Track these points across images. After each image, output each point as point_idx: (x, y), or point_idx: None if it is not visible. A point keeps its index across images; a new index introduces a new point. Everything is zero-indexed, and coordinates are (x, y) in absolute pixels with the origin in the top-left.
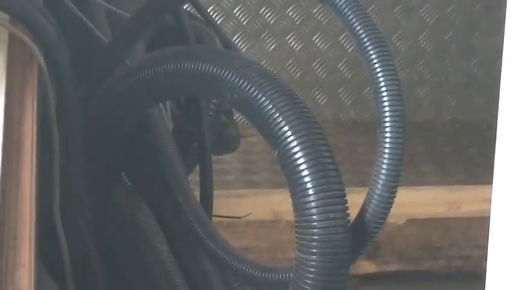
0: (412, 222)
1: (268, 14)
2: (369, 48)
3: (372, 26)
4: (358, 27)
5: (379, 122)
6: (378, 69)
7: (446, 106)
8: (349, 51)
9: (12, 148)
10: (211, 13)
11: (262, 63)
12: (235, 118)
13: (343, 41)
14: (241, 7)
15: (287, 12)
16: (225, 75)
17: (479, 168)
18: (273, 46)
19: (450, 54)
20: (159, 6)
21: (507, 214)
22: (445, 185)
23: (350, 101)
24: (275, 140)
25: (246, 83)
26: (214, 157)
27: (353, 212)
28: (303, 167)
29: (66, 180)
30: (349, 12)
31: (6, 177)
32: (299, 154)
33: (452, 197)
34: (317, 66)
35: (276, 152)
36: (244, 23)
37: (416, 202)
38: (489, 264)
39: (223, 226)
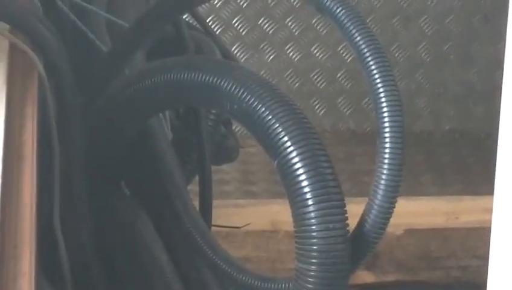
0: (411, 232)
1: (267, 25)
2: (369, 58)
3: (372, 36)
4: (358, 38)
5: (379, 133)
6: (378, 80)
7: (445, 115)
8: (348, 61)
9: (13, 157)
10: (210, 23)
11: (261, 73)
12: (233, 128)
13: (341, 51)
14: (240, 17)
15: (285, 22)
16: (225, 85)
17: (477, 178)
18: (272, 57)
19: (449, 64)
20: (158, 16)
21: (508, 223)
22: (443, 195)
23: (349, 111)
24: (274, 150)
25: (245, 94)
26: (212, 168)
27: (352, 222)
28: (302, 177)
29: (66, 188)
30: (348, 23)
31: (6, 186)
32: (298, 165)
33: (451, 208)
34: (316, 76)
35: (275, 162)
36: (243, 33)
37: (414, 212)
38: (490, 275)
39: (222, 236)
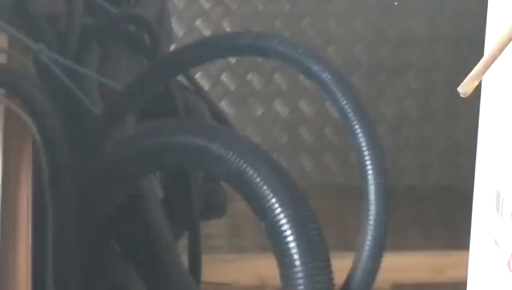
0: (397, 287)
1: (255, 80)
2: (354, 121)
3: (357, 99)
4: (343, 101)
5: (364, 195)
6: (363, 143)
7: (431, 170)
8: (335, 116)
9: (9, 225)
10: (198, 79)
11: (248, 128)
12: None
13: (328, 106)
14: (228, 73)
15: (273, 78)
16: (213, 149)
17: (463, 233)
18: (260, 112)
19: (435, 119)
20: (151, 80)
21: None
22: (430, 250)
23: (336, 166)
24: (262, 212)
25: (233, 157)
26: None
27: (338, 277)
28: (290, 239)
29: (58, 248)
30: (332, 85)
31: (2, 254)
32: (286, 227)
33: (437, 262)
34: (304, 131)
35: (263, 224)
36: (232, 88)
37: (400, 266)
38: None
39: None
